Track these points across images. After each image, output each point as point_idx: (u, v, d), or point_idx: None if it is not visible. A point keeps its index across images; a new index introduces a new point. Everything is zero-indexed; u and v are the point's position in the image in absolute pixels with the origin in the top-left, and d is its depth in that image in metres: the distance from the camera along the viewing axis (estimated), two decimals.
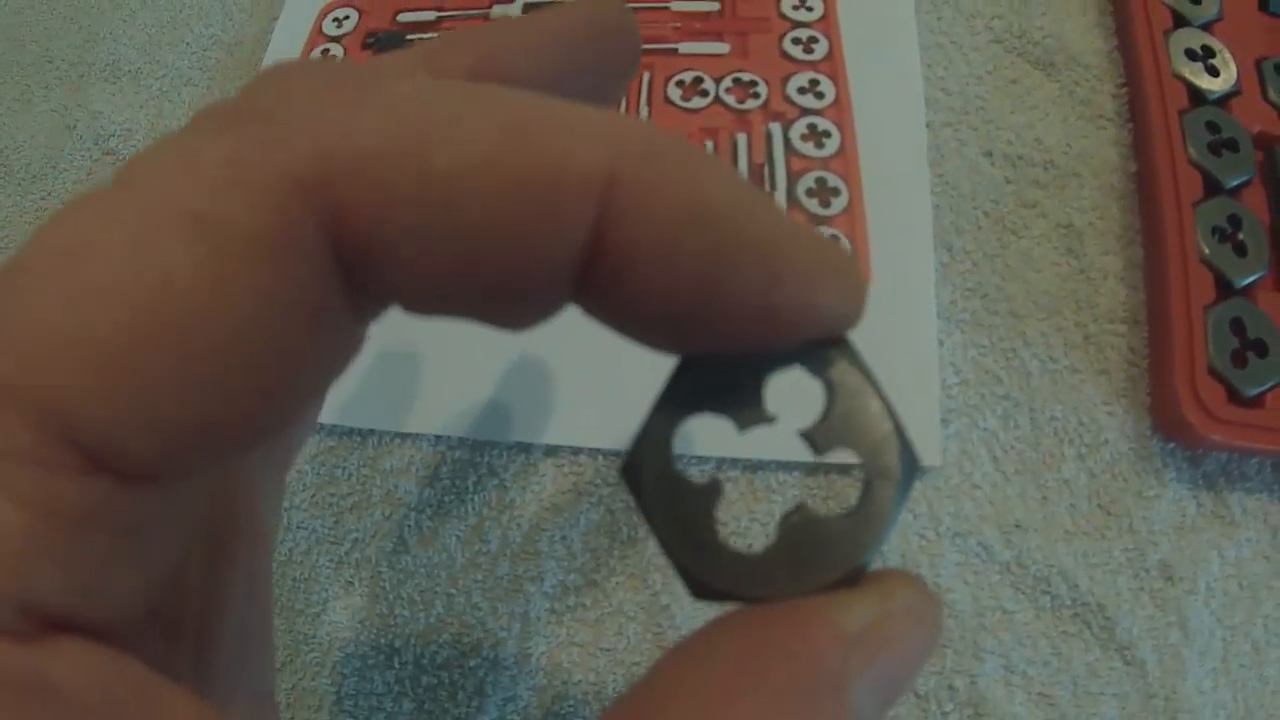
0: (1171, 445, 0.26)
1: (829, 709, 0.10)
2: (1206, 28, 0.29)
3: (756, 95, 0.31)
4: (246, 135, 0.10)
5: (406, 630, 0.25)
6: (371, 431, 0.28)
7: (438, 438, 0.27)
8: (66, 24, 0.37)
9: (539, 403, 0.27)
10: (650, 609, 0.25)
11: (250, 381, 0.10)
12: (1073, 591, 0.24)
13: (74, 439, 0.09)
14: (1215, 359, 0.24)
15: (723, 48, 0.32)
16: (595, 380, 0.27)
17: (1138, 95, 0.29)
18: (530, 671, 0.25)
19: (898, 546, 0.25)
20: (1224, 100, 0.28)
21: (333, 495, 0.27)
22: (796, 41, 0.32)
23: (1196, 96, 0.28)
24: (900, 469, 0.12)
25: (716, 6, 0.33)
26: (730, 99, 0.31)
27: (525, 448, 0.27)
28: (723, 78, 0.32)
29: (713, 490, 0.12)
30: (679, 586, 0.25)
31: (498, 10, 0.34)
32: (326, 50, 0.34)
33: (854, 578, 0.12)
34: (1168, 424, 0.25)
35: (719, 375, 0.12)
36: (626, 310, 0.11)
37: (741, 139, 0.30)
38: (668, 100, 0.31)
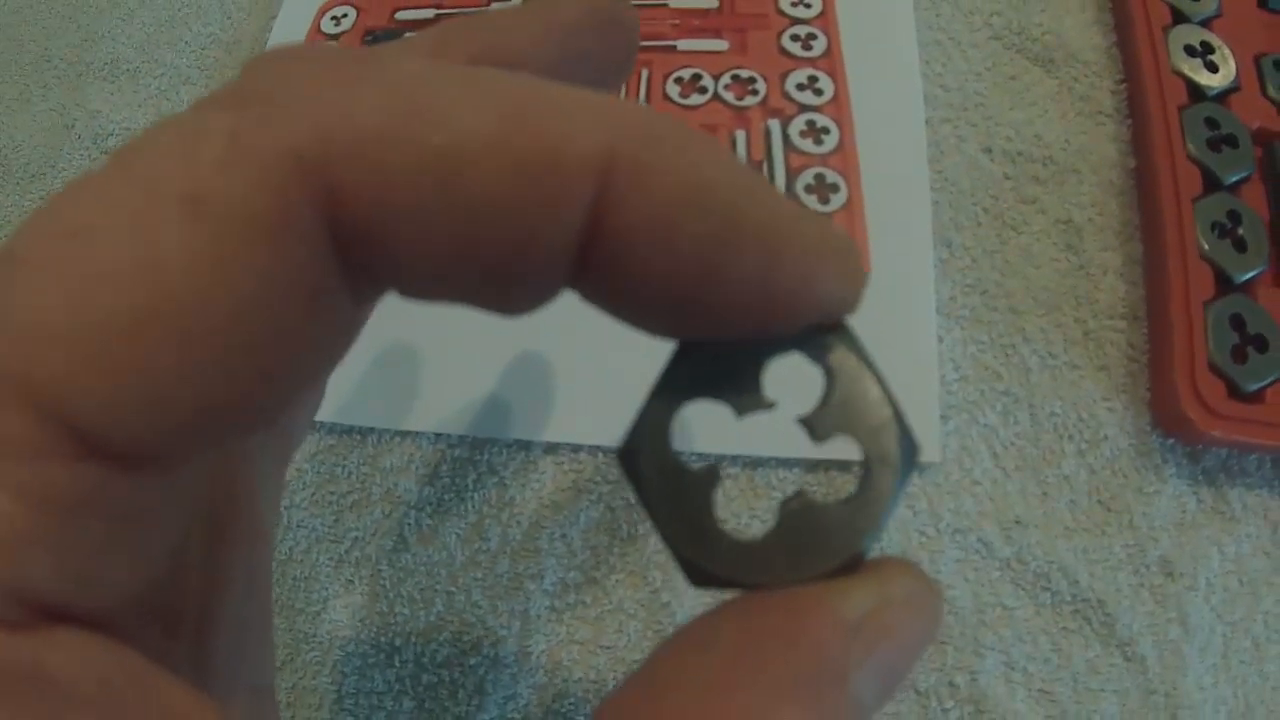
0: (1171, 441, 0.26)
1: (830, 698, 0.10)
2: (1205, 24, 0.29)
3: (755, 92, 0.31)
4: (245, 116, 0.10)
5: (407, 628, 0.25)
6: (371, 429, 0.28)
7: (437, 435, 0.27)
8: (65, 23, 0.37)
9: (539, 400, 0.27)
10: (650, 606, 0.25)
11: (247, 363, 0.10)
12: (1073, 588, 0.24)
13: (68, 424, 0.09)
14: (1215, 354, 0.24)
15: (721, 45, 0.32)
16: (595, 378, 0.27)
17: (1137, 91, 0.29)
18: (530, 669, 0.25)
19: (898, 543, 0.25)
20: (1223, 96, 0.28)
21: (332, 493, 0.27)
22: (795, 38, 0.32)
23: (1195, 92, 0.28)
24: (900, 455, 0.12)
25: (715, 3, 0.33)
26: (729, 96, 0.31)
27: (525, 445, 0.27)
28: (721, 74, 0.32)
29: (711, 477, 0.12)
30: (679, 584, 0.25)
31: (496, 8, 0.34)
32: None
33: (853, 565, 0.11)
34: (1168, 420, 0.25)
35: (717, 361, 0.12)
36: (624, 294, 0.11)
37: (740, 136, 0.30)
38: (666, 97, 0.31)
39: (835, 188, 0.29)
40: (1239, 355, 0.24)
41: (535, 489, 0.26)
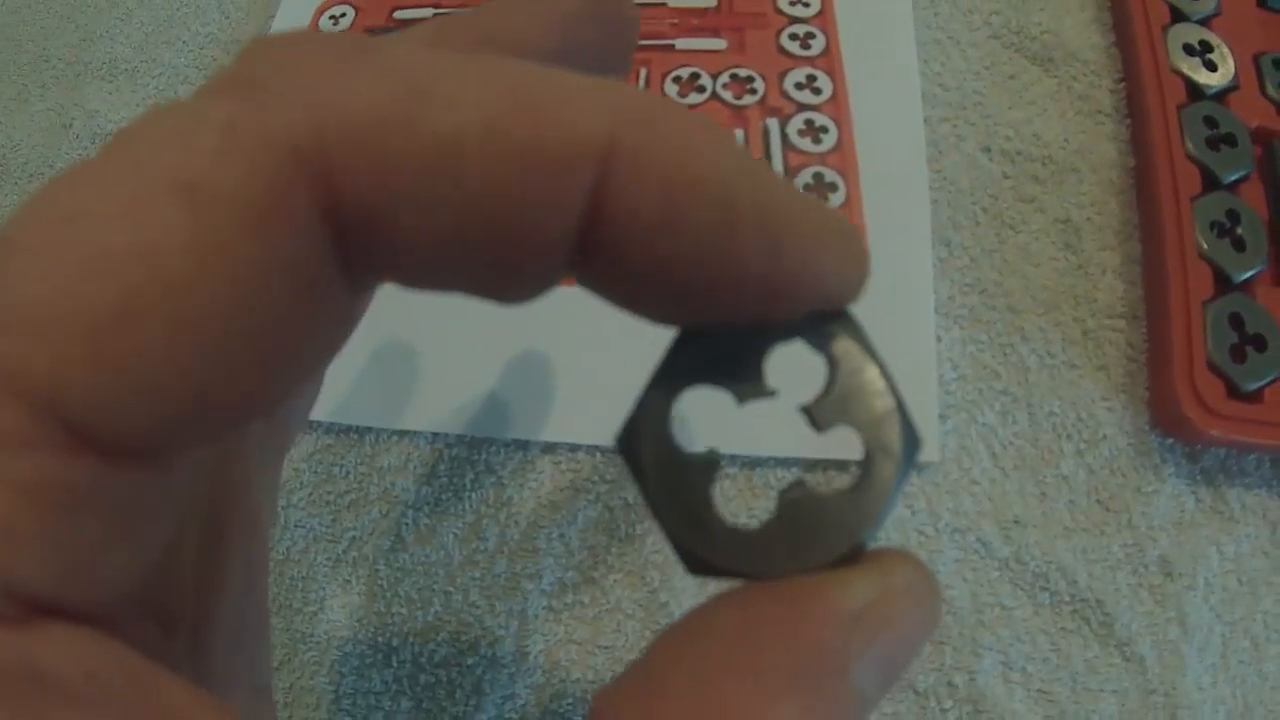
0: (1170, 441, 0.26)
1: (829, 689, 0.10)
2: (1204, 23, 0.29)
3: (754, 91, 0.31)
4: (242, 103, 0.10)
5: (404, 628, 0.25)
6: (368, 429, 0.27)
7: (435, 435, 0.27)
8: (63, 23, 0.37)
9: (536, 399, 0.27)
10: (648, 606, 0.25)
11: (244, 352, 0.10)
12: (1071, 588, 0.24)
13: (61, 416, 0.09)
14: (1214, 354, 0.24)
15: (720, 43, 0.32)
16: (593, 377, 0.27)
17: (1136, 90, 0.29)
18: (528, 669, 0.25)
19: (896, 542, 0.25)
20: (1222, 95, 0.28)
21: (330, 493, 0.27)
22: (794, 37, 0.32)
23: (1194, 91, 0.28)
24: (901, 446, 0.12)
25: (713, 2, 0.33)
26: (727, 95, 0.31)
27: (523, 445, 0.27)
28: (720, 73, 0.31)
29: (711, 465, 0.12)
30: (677, 583, 0.25)
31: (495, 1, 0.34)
32: None
33: (853, 556, 0.11)
34: (1166, 419, 0.25)
35: (719, 348, 0.12)
36: (625, 281, 0.11)
37: (739, 135, 0.30)
38: (664, 96, 0.31)
39: (834, 187, 0.29)
40: (1238, 355, 0.24)
41: (533, 489, 0.26)
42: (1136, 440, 0.26)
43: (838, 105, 0.30)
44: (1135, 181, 0.29)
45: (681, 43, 0.32)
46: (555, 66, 0.11)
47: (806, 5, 0.33)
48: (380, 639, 0.25)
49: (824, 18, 0.32)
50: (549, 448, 0.27)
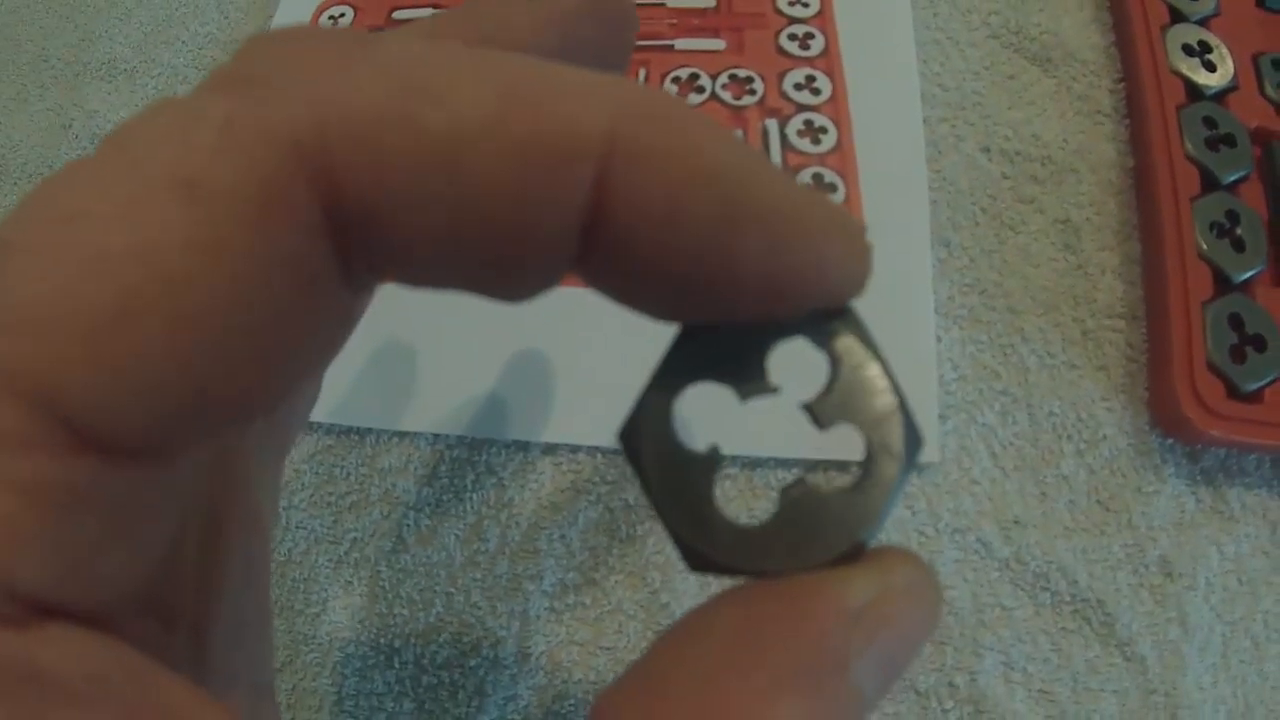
0: (1170, 441, 0.26)
1: (830, 687, 0.10)
2: (1203, 23, 0.29)
3: (753, 91, 0.31)
4: (241, 100, 0.10)
5: (406, 630, 0.25)
6: (369, 430, 0.27)
7: (435, 436, 0.27)
8: (62, 23, 0.37)
9: (537, 400, 0.27)
10: (649, 607, 0.25)
11: (244, 350, 0.10)
12: (1072, 588, 0.24)
13: (62, 416, 0.09)
14: (1214, 354, 0.24)
15: (719, 44, 0.32)
16: (593, 378, 0.27)
17: (1135, 91, 0.29)
18: (530, 670, 0.25)
19: (896, 542, 0.25)
20: (1221, 95, 0.28)
21: (331, 495, 0.27)
22: (793, 37, 0.32)
23: (1194, 92, 0.28)
24: (904, 445, 0.12)
25: (712, 3, 0.33)
26: (726, 95, 0.31)
27: (523, 446, 0.27)
28: (719, 74, 0.31)
29: (713, 461, 0.12)
30: (678, 584, 0.25)
31: None
32: None
33: (854, 554, 0.11)
34: (1166, 420, 0.25)
35: (721, 344, 0.12)
36: (627, 277, 0.11)
37: (738, 135, 0.30)
38: (665, 91, 0.31)
39: (833, 187, 0.29)
40: (1238, 355, 0.24)
41: (534, 490, 0.26)
42: (1136, 440, 0.26)
43: (837, 106, 0.30)
44: (1135, 182, 0.29)
45: (680, 43, 0.32)
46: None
47: (806, 5, 0.33)
48: (382, 640, 0.25)
49: (823, 18, 0.32)
50: (550, 449, 0.27)
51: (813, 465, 0.26)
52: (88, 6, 0.37)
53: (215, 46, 0.36)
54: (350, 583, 0.26)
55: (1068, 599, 0.24)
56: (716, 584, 0.11)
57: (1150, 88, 0.28)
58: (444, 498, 0.27)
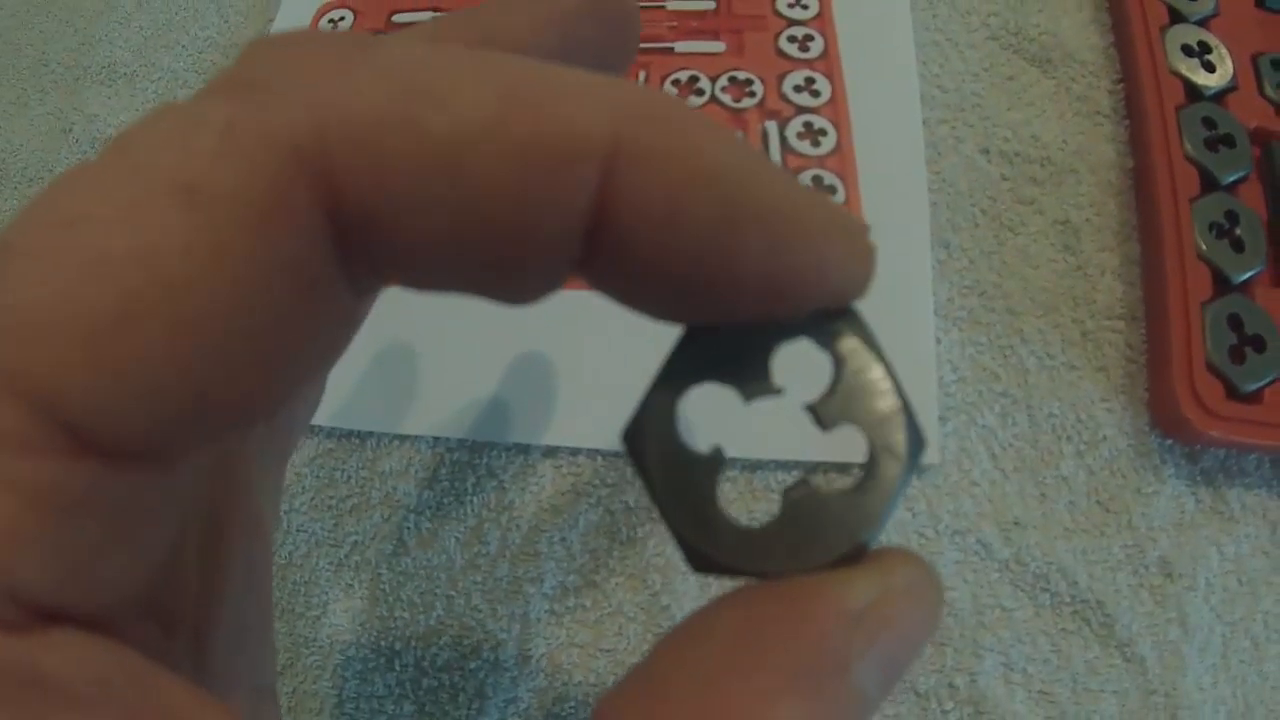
0: (1170, 441, 0.26)
1: (831, 689, 0.10)
2: (1202, 23, 0.29)
3: (752, 94, 0.31)
4: (242, 104, 0.10)
5: (407, 632, 0.25)
6: (370, 433, 0.28)
7: (436, 439, 0.27)
8: (62, 27, 0.37)
9: (537, 404, 0.27)
10: (650, 609, 0.25)
11: (246, 354, 0.10)
12: (1072, 589, 0.24)
13: (63, 419, 0.09)
14: (1213, 355, 0.24)
15: (718, 46, 0.32)
16: (593, 381, 0.27)
17: (1134, 91, 0.29)
18: (530, 673, 0.25)
19: (896, 544, 0.25)
20: (1220, 96, 0.28)
21: (332, 498, 0.27)
22: (792, 40, 0.32)
23: (1193, 92, 0.28)
24: (906, 446, 0.12)
25: (712, 5, 0.33)
26: (726, 98, 0.31)
27: (524, 449, 0.27)
28: (719, 76, 0.32)
29: (716, 461, 0.12)
30: (679, 586, 0.25)
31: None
32: None
33: (856, 555, 0.11)
34: (1166, 420, 0.25)
35: (725, 345, 0.12)
36: (631, 279, 0.11)
37: (739, 137, 0.30)
38: (667, 93, 0.31)
39: (832, 189, 0.29)
40: (1237, 355, 0.24)
41: (534, 492, 0.26)
42: (1136, 441, 0.26)
43: (836, 108, 0.30)
44: (1134, 183, 0.29)
45: (680, 45, 0.32)
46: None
47: (805, 8, 0.33)
48: (383, 643, 0.25)
49: (822, 20, 0.32)
50: (550, 451, 0.27)
51: (813, 468, 0.26)
52: (87, 11, 0.38)
53: (215, 50, 0.36)
54: (351, 586, 0.26)
55: (1068, 600, 0.24)
56: (717, 586, 0.11)
57: (1149, 88, 0.28)
58: (445, 501, 0.27)
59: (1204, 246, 0.26)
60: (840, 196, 0.29)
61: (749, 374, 0.12)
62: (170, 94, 0.35)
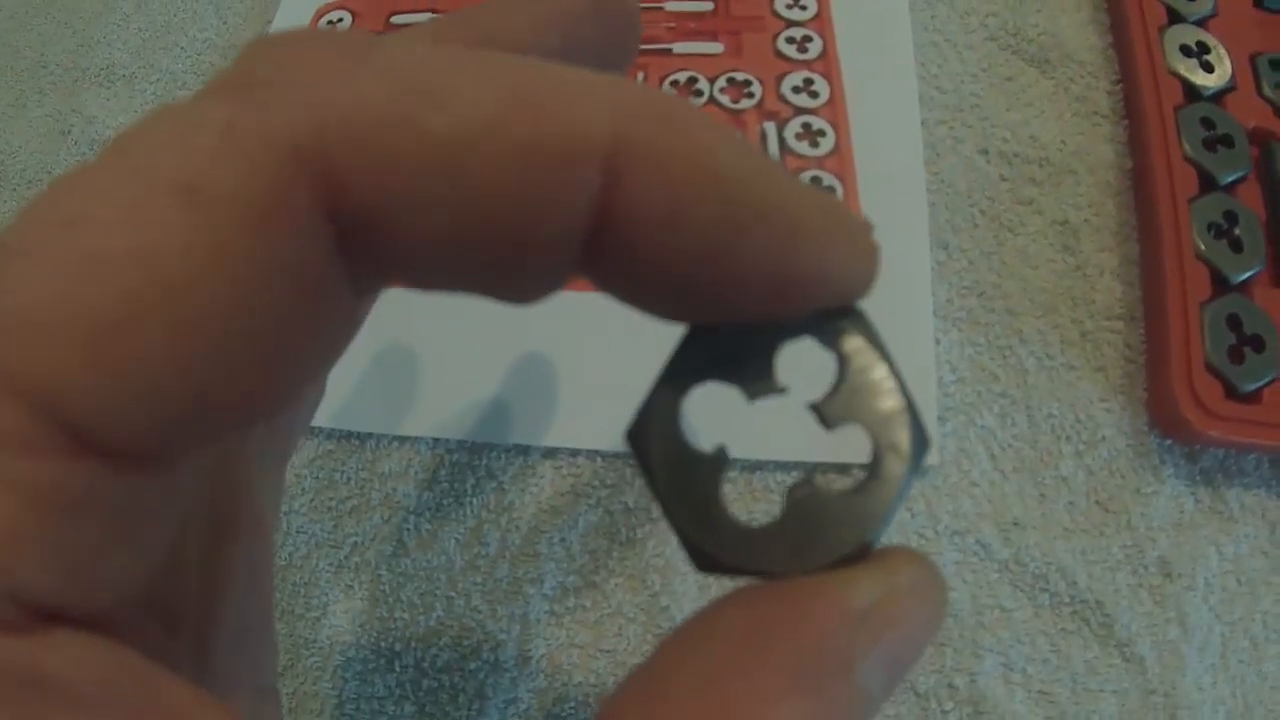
0: (1169, 442, 0.26)
1: (834, 688, 0.10)
2: (1201, 24, 0.29)
3: (751, 95, 0.31)
4: (242, 104, 0.10)
5: (407, 633, 0.25)
6: (369, 435, 0.28)
7: (435, 440, 0.27)
8: (60, 29, 0.37)
9: (537, 405, 0.27)
10: (650, 610, 0.25)
11: (246, 353, 0.10)
12: (1071, 589, 0.24)
13: (64, 420, 0.09)
14: (1212, 355, 0.24)
15: (717, 47, 0.32)
16: (593, 382, 0.27)
17: (1133, 92, 0.29)
18: (530, 674, 0.25)
19: (896, 545, 0.25)
20: (1219, 96, 0.28)
21: (331, 499, 0.27)
22: (791, 41, 0.32)
23: (1191, 92, 0.28)
24: (911, 446, 0.12)
25: (710, 6, 0.33)
26: (725, 99, 0.31)
27: (523, 450, 0.27)
28: (717, 77, 0.32)
29: (720, 461, 0.12)
30: (678, 587, 0.25)
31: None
32: None
33: (859, 554, 0.11)
34: (1165, 420, 0.25)
35: (729, 344, 0.12)
36: (635, 279, 0.11)
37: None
38: (670, 93, 0.31)
39: (831, 190, 0.29)
40: (1236, 355, 0.24)
41: (534, 494, 0.26)
42: (1135, 441, 0.26)
43: (835, 109, 0.30)
44: (1133, 183, 0.29)
45: (679, 46, 0.32)
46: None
47: (804, 8, 0.33)
48: (383, 644, 0.25)
49: (821, 21, 0.32)
50: (549, 453, 0.27)
51: (813, 469, 0.26)
52: (86, 12, 0.38)
53: (213, 52, 0.36)
54: (351, 587, 0.26)
55: (1067, 600, 0.24)
56: (716, 587, 0.12)
57: (1148, 89, 0.28)
58: (444, 502, 0.27)
59: (1203, 246, 0.26)
60: (839, 198, 0.29)
61: (753, 373, 0.12)
62: (169, 96, 0.35)
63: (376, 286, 0.12)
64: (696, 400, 0.12)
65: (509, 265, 0.11)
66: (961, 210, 0.29)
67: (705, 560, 0.11)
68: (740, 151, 0.10)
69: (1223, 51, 0.28)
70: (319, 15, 0.35)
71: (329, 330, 0.11)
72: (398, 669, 0.25)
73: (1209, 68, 0.28)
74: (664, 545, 0.26)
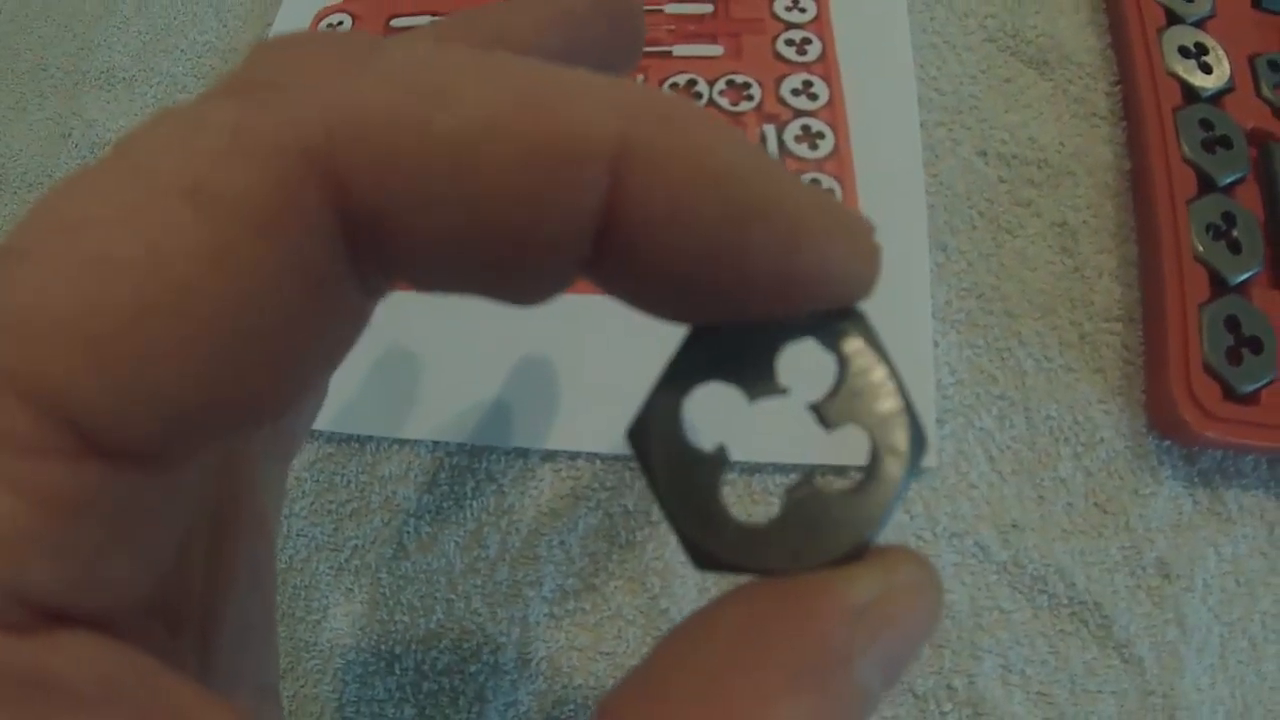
0: (1167, 443, 0.26)
1: (834, 685, 0.10)
2: (1199, 25, 0.29)
3: (750, 97, 0.31)
4: (247, 105, 0.10)
5: (407, 636, 0.25)
6: (369, 438, 0.28)
7: (435, 443, 0.27)
8: (61, 32, 0.37)
9: (537, 408, 0.27)
10: (649, 612, 0.25)
11: (252, 354, 0.10)
12: (1070, 590, 0.24)
13: (69, 421, 0.09)
14: (1210, 356, 0.24)
15: (716, 50, 0.32)
16: (593, 385, 0.27)
17: (1131, 93, 0.29)
18: (530, 676, 0.25)
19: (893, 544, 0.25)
20: (1217, 97, 0.28)
21: (331, 502, 0.27)
22: (790, 43, 0.32)
23: (1190, 94, 0.28)
24: (909, 446, 0.12)
25: (710, 9, 0.33)
26: (724, 101, 0.31)
27: (523, 453, 0.27)
28: (716, 80, 0.32)
29: (720, 460, 0.12)
30: (678, 590, 0.25)
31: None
32: None
33: (858, 553, 0.11)
34: (1163, 422, 0.25)
35: (730, 345, 0.12)
36: (638, 279, 0.11)
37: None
38: (675, 94, 0.31)
39: (831, 193, 0.29)
40: (1234, 357, 0.24)
41: (534, 496, 0.26)
42: (1133, 443, 0.26)
43: (834, 111, 0.31)
44: (1131, 184, 0.29)
45: (678, 49, 0.32)
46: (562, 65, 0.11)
47: (803, 11, 0.33)
48: (383, 647, 0.25)
49: (820, 23, 0.32)
50: (549, 455, 0.27)
51: (811, 470, 0.26)
52: (86, 16, 0.38)
53: (214, 55, 0.36)
54: (351, 590, 0.26)
55: (1065, 601, 0.24)
56: (716, 589, 0.12)
57: (1146, 90, 0.28)
58: (444, 505, 0.27)
59: (1201, 248, 0.26)
60: (838, 199, 0.29)
61: (754, 373, 0.12)
62: (169, 99, 0.35)
63: (383, 287, 0.12)
64: (697, 400, 0.12)
65: (515, 265, 0.11)
66: (960, 212, 0.29)
67: (705, 558, 0.12)
68: (743, 150, 0.11)
69: (1221, 53, 0.28)
70: (319, 18, 0.35)
71: (336, 330, 0.11)
72: (398, 672, 0.25)
73: (1207, 69, 0.28)
74: (663, 548, 0.26)
